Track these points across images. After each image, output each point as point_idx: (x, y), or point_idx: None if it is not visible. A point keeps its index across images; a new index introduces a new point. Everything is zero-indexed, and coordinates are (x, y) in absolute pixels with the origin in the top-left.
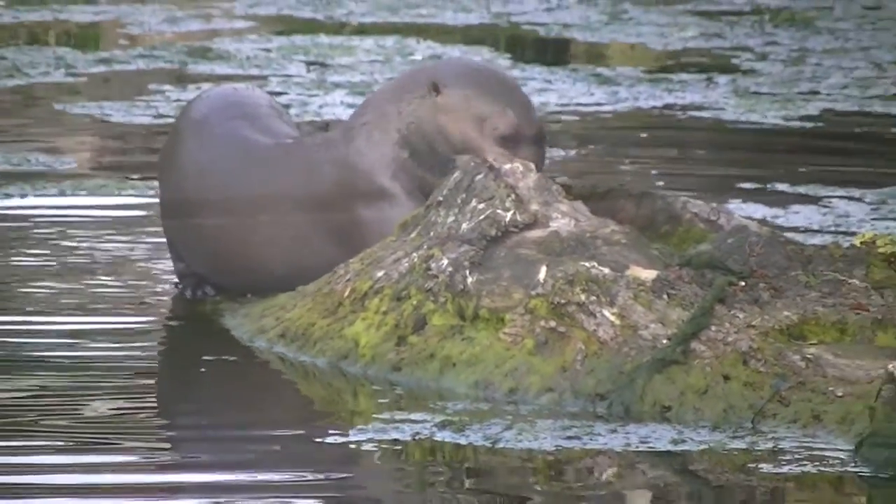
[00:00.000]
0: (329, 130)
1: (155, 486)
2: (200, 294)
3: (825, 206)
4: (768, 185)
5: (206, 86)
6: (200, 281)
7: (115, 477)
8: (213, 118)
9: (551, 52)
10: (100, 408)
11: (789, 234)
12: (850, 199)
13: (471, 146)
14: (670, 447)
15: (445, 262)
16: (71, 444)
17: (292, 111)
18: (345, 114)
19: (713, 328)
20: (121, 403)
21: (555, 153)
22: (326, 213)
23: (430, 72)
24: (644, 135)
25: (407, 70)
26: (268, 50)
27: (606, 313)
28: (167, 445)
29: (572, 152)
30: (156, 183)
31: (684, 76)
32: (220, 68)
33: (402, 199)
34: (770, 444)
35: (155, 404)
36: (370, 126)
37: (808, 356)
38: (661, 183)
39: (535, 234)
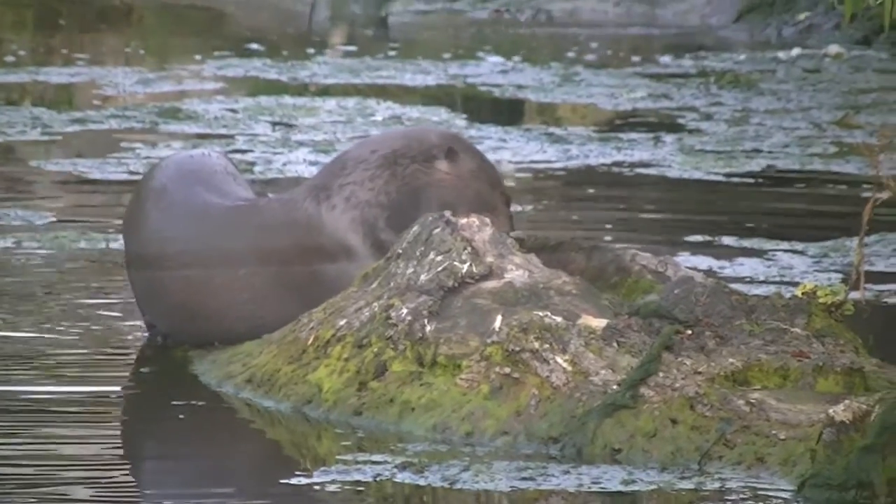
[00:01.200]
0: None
1: None
2: (170, 340)
3: (769, 259)
4: (715, 239)
5: (175, 144)
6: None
7: None
8: (172, 186)
9: (506, 112)
10: (67, 450)
11: (735, 285)
12: (794, 251)
13: (487, 208)
14: (621, 487)
15: (405, 311)
16: (39, 476)
17: (257, 168)
18: (307, 171)
19: (661, 374)
20: (89, 441)
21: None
22: (285, 271)
23: (434, 137)
24: (594, 190)
25: (391, 135)
26: (234, 110)
27: (559, 360)
28: (134, 484)
29: (526, 207)
30: None
31: (633, 135)
32: (189, 128)
33: (366, 257)
34: (716, 485)
35: (123, 446)
36: (353, 186)
37: (752, 401)
38: (610, 237)
39: (491, 284)
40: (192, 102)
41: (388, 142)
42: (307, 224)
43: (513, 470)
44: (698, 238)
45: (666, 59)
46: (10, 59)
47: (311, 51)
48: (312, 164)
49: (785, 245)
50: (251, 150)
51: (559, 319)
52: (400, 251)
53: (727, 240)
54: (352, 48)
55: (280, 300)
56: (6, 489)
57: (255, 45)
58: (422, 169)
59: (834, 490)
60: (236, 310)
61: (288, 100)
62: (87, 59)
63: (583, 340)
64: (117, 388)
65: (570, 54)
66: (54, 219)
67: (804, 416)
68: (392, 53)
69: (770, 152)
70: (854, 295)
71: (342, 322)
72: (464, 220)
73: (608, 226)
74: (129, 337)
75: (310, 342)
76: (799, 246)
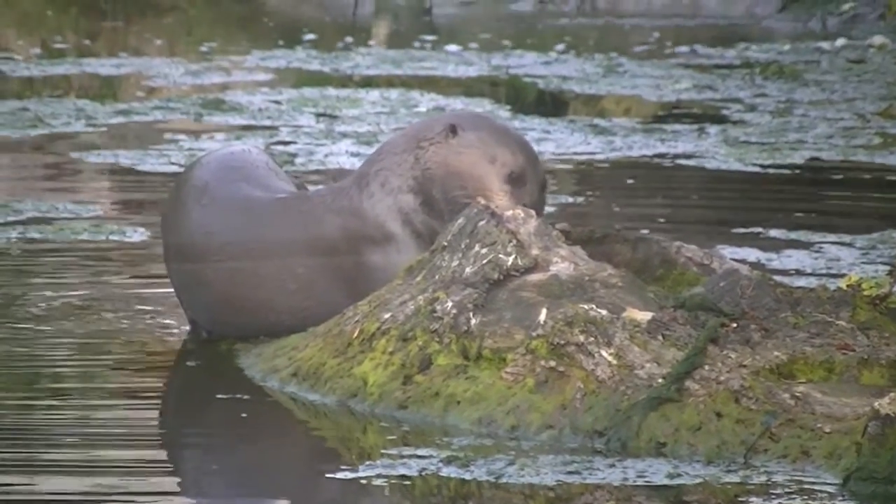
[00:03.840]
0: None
1: None
2: (214, 335)
3: (817, 251)
4: (761, 231)
5: (219, 136)
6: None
7: (127, 501)
8: (214, 182)
9: (550, 103)
10: (112, 434)
11: (783, 277)
12: (841, 244)
13: (481, 182)
14: (666, 481)
15: (450, 304)
16: (83, 453)
17: (298, 160)
18: (349, 162)
19: (706, 367)
20: (132, 436)
21: (554, 200)
22: (332, 261)
23: (447, 118)
24: (638, 182)
25: (420, 120)
26: (278, 102)
27: (604, 353)
28: (178, 480)
29: (570, 199)
30: None
31: (677, 126)
32: (233, 119)
33: (409, 245)
34: (762, 479)
35: (168, 438)
36: (386, 172)
37: (797, 394)
38: (654, 229)
39: (536, 277)
40: (236, 94)
41: (414, 128)
42: (351, 212)
43: (558, 464)
44: (744, 230)
45: (710, 50)
46: (55, 51)
47: (355, 41)
48: (354, 155)
49: (832, 237)
50: (294, 142)
51: (604, 312)
52: (445, 243)
53: (774, 232)
54: (395, 40)
55: (327, 290)
56: (50, 476)
57: (298, 37)
58: (437, 149)
59: (879, 483)
60: (283, 301)
61: (331, 91)
62: (132, 50)
63: (628, 334)
64: (161, 383)
65: (615, 46)
66: (101, 211)
67: (849, 410)
68: (435, 44)
69: (814, 143)
70: None
71: (387, 315)
72: (509, 213)
73: (652, 218)
74: (174, 330)
75: (355, 335)
76: (846, 238)
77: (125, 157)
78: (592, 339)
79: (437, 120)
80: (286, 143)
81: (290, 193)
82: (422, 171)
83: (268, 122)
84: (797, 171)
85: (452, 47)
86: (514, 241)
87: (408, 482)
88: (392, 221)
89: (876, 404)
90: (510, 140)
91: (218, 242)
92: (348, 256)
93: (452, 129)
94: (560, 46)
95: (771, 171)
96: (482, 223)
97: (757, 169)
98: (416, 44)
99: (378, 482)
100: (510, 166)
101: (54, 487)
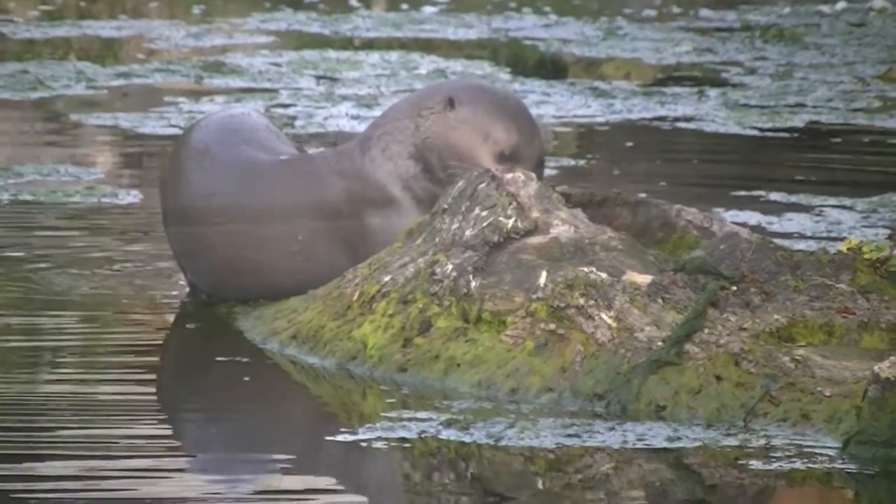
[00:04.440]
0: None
1: (163, 479)
2: (214, 298)
3: (818, 215)
4: (762, 194)
5: (219, 98)
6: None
7: (126, 462)
8: (215, 146)
9: (550, 66)
10: (110, 398)
11: (782, 241)
12: (842, 207)
13: (471, 157)
14: (666, 444)
15: (450, 267)
16: (83, 421)
17: (298, 123)
18: (349, 125)
19: (706, 331)
20: (132, 396)
21: (554, 163)
22: (334, 222)
23: (447, 88)
24: (638, 145)
25: (424, 86)
26: (278, 65)
27: (604, 316)
28: (178, 443)
29: (571, 162)
30: None
31: (677, 89)
32: (234, 82)
33: (409, 209)
34: (761, 442)
35: (167, 401)
36: (387, 137)
37: (797, 357)
38: (655, 191)
39: (536, 240)
40: (236, 56)
41: (417, 95)
42: (354, 175)
43: (558, 427)
44: (744, 193)
45: (710, 12)
46: (55, 13)
47: (355, 4)
48: (354, 118)
49: (833, 200)
50: (294, 105)
51: (604, 275)
52: (445, 206)
53: (775, 195)
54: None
55: (328, 253)
56: (49, 437)
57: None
58: (435, 120)
59: (879, 447)
60: (284, 263)
61: (332, 54)
62: (132, 12)
63: (628, 296)
64: (160, 344)
65: (615, 8)
66: (102, 174)
67: (849, 373)
68: (435, 7)
69: (814, 107)
70: None
71: (387, 278)
72: (509, 175)
73: (652, 181)
74: (173, 293)
75: (354, 298)
76: (847, 201)
77: (125, 120)
78: (592, 301)
79: (439, 88)
80: (286, 106)
81: (292, 155)
82: (422, 140)
83: (268, 85)
84: (797, 135)
85: (429, 8)
86: (515, 204)
87: (407, 445)
88: (392, 185)
89: (876, 368)
90: (506, 116)
91: (220, 205)
92: (350, 219)
93: (450, 102)
94: (559, 8)
95: (771, 134)
96: (482, 186)
97: (757, 132)
98: (416, 5)
99: (378, 445)
100: (502, 144)
101: (52, 444)
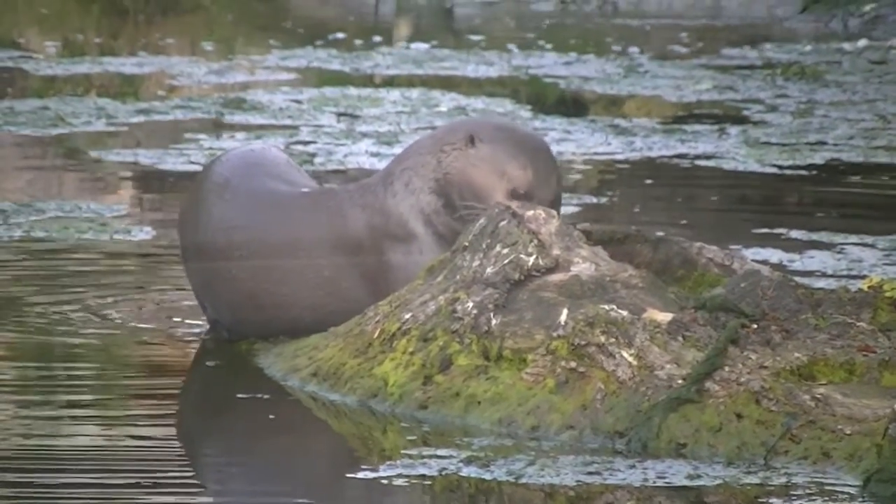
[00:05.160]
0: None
1: None
2: (234, 335)
3: (839, 252)
4: (783, 232)
5: (239, 135)
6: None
7: (149, 500)
8: (236, 179)
9: (570, 103)
10: (131, 441)
11: (803, 279)
12: (863, 245)
13: (486, 194)
14: (686, 482)
15: (470, 304)
16: (104, 466)
17: (318, 160)
18: (369, 162)
19: (727, 368)
20: (152, 436)
21: (575, 200)
22: (355, 257)
23: (470, 126)
24: (659, 182)
25: (448, 123)
26: (299, 101)
27: (625, 354)
28: (199, 481)
29: (591, 199)
30: None
31: (697, 127)
32: (254, 118)
33: (430, 245)
34: (782, 480)
35: (186, 440)
36: (410, 172)
37: (818, 396)
38: (675, 228)
39: (557, 277)
40: (257, 93)
41: (440, 132)
42: (376, 209)
43: (578, 464)
44: (766, 231)
45: (731, 50)
46: (76, 49)
47: (376, 41)
48: (374, 155)
49: (854, 238)
50: (314, 142)
51: (625, 313)
52: (466, 244)
53: (795, 233)
54: (417, 39)
55: (349, 287)
56: (69, 476)
57: (319, 36)
58: (456, 157)
59: None
60: (305, 297)
61: (352, 91)
62: (153, 49)
63: (648, 334)
64: (181, 382)
65: (635, 46)
66: (124, 212)
67: (870, 411)
68: (456, 44)
69: (835, 144)
70: None
71: (408, 315)
72: (530, 213)
73: (673, 218)
74: (194, 330)
75: (375, 335)
76: (868, 239)
77: (145, 157)
78: (613, 339)
79: (462, 125)
80: (306, 143)
81: (314, 188)
82: (443, 175)
83: (288, 122)
84: (818, 172)
85: (473, 50)
86: (536, 242)
87: (428, 482)
88: (414, 220)
89: None
90: (523, 155)
91: (241, 238)
92: (371, 253)
93: (471, 139)
94: (580, 46)
95: (791, 171)
96: (503, 223)
97: (777, 170)
98: (437, 43)
99: (398, 482)
100: (516, 182)
101: (74, 486)
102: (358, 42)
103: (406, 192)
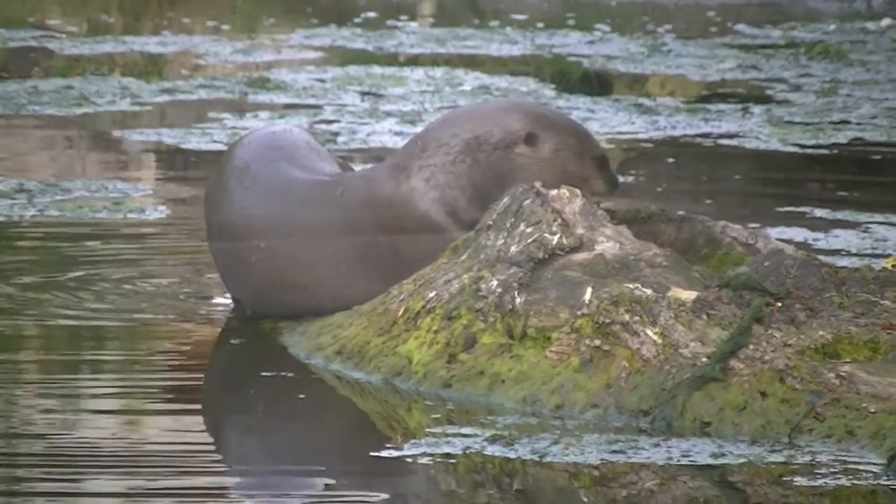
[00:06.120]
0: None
1: (210, 496)
2: (258, 314)
3: (864, 231)
4: (808, 210)
5: (263, 114)
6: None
7: (173, 482)
8: (255, 163)
9: (594, 82)
10: (154, 421)
11: (828, 258)
12: (888, 224)
13: (576, 178)
14: (711, 461)
15: (495, 283)
16: (130, 462)
17: (341, 139)
18: (392, 141)
19: (751, 347)
20: (178, 416)
21: None
22: (369, 249)
23: (514, 123)
24: (683, 162)
25: (471, 113)
26: (323, 80)
27: (649, 332)
28: (221, 458)
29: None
30: None
31: (721, 106)
32: (278, 98)
33: (453, 232)
34: (806, 458)
35: (212, 417)
36: (434, 169)
37: (842, 374)
38: (699, 207)
39: (581, 256)
40: (281, 72)
41: (469, 125)
42: (388, 203)
43: (603, 443)
44: (790, 209)
45: (755, 29)
46: (100, 29)
47: (400, 20)
48: (397, 134)
49: (878, 217)
50: (338, 121)
51: (649, 292)
52: (490, 223)
53: (819, 212)
54: (441, 18)
55: (365, 278)
56: (93, 453)
57: (343, 15)
58: (504, 156)
59: None
60: (323, 286)
61: (376, 70)
62: (177, 28)
63: (673, 313)
64: (205, 360)
65: (659, 25)
66: (150, 191)
67: (894, 389)
68: (479, 23)
69: (858, 124)
70: None
71: (432, 294)
72: (554, 192)
73: (697, 197)
74: (218, 308)
75: (399, 314)
76: (892, 218)
77: (168, 136)
78: (637, 318)
79: (495, 122)
80: (330, 122)
81: (328, 176)
82: (483, 175)
83: (312, 101)
84: (842, 152)
85: (496, 28)
86: (560, 221)
87: (452, 460)
88: (435, 213)
89: None
90: (587, 153)
91: (258, 225)
92: (383, 244)
93: (530, 139)
94: (604, 26)
95: (815, 151)
96: (527, 202)
97: (801, 149)
98: (461, 22)
99: (423, 461)
100: (598, 153)
101: (96, 453)
102: (385, 21)
103: (428, 186)
